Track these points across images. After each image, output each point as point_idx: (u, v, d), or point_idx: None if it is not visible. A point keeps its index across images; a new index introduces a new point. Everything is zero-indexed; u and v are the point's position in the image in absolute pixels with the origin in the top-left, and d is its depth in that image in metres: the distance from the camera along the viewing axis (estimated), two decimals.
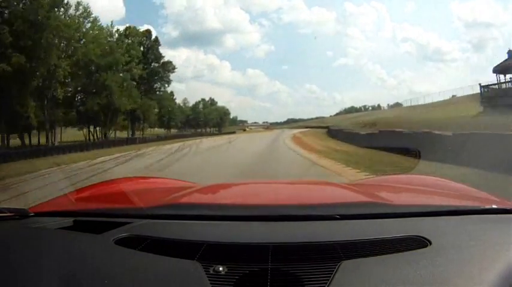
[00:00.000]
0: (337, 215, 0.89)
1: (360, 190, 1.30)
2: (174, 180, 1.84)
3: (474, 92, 26.16)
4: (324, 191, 1.45)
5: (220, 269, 0.66)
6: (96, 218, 0.96)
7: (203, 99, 60.49)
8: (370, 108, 67.00)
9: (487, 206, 1.01)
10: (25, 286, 0.65)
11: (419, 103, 39.32)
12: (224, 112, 63.29)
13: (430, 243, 0.74)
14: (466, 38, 72.83)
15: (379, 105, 63.38)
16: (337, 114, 70.56)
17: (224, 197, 1.36)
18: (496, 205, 1.02)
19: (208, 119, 58.44)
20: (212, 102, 62.69)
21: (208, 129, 59.33)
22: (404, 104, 47.93)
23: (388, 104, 60.42)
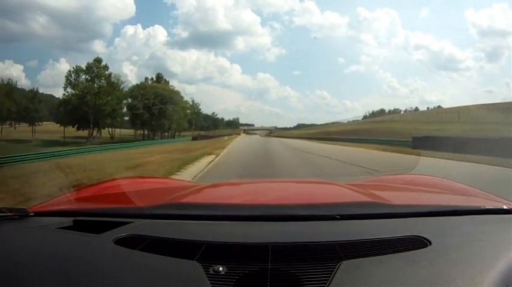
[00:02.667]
0: (337, 215, 0.89)
1: (360, 190, 1.30)
2: (174, 180, 1.84)
3: None
4: (324, 191, 1.45)
5: (220, 269, 0.66)
6: (96, 218, 0.96)
7: (97, 63, 27.09)
8: (401, 111, 55.98)
9: (487, 206, 1.01)
10: (25, 286, 0.65)
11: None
12: (168, 98, 30.53)
13: (430, 243, 0.73)
14: (480, 46, 67.24)
15: (417, 108, 52.19)
16: (364, 117, 59.62)
17: (224, 197, 1.36)
18: (496, 205, 1.02)
19: (102, 112, 26.75)
20: (158, 77, 32.52)
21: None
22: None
23: (428, 108, 50.16)
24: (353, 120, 56.91)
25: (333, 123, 61.43)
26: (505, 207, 0.99)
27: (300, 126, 73.48)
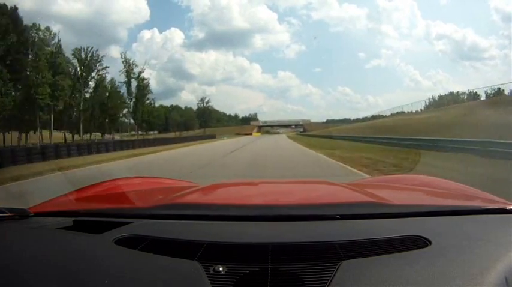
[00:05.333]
0: (337, 215, 0.89)
1: (360, 190, 1.30)
2: (174, 180, 1.84)
3: None
4: (324, 191, 1.45)
5: (220, 269, 0.66)
6: (96, 218, 0.96)
7: None
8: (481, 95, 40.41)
9: (487, 206, 1.01)
10: (25, 286, 0.65)
11: None
12: None
13: (430, 243, 0.74)
14: (504, 33, 63.35)
15: (476, 94, 39.03)
16: (429, 106, 43.95)
17: (224, 197, 1.36)
18: (496, 205, 1.02)
19: None
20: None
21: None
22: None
23: (486, 92, 36.69)
24: (399, 112, 43.57)
25: (372, 117, 52.42)
26: (504, 207, 0.99)
27: (328, 122, 67.32)
